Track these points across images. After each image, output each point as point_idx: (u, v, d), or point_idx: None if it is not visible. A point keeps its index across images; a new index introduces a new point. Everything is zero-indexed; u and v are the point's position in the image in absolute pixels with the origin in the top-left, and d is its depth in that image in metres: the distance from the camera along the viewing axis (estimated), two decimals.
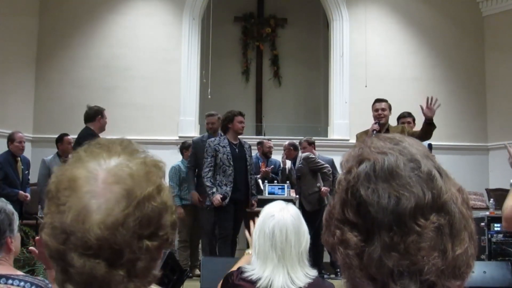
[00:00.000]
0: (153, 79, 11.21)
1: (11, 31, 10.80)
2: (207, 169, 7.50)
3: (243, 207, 7.59)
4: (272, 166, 9.41)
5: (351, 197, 0.98)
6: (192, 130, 11.10)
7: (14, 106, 10.77)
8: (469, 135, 11.59)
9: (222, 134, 7.83)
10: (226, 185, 7.42)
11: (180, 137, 10.75)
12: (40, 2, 11.43)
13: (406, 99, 11.03)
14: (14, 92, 10.83)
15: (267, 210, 2.71)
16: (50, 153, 8.99)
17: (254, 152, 9.38)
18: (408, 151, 1.01)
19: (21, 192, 8.29)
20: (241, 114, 7.73)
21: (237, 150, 7.62)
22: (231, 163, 7.46)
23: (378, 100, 7.49)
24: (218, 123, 8.24)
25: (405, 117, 8.06)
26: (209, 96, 10.92)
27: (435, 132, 10.70)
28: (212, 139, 7.74)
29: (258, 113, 13.69)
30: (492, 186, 10.91)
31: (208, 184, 7.44)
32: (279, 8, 13.85)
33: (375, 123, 7.12)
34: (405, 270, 0.94)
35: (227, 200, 7.36)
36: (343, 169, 1.04)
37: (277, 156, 9.67)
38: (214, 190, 7.37)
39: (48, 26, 11.40)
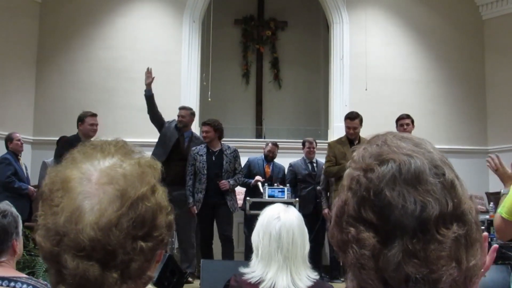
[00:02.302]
0: (153, 81, 11.18)
1: (12, 33, 10.81)
2: (188, 178, 7.88)
3: (226, 209, 7.81)
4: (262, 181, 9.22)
5: (374, 197, 0.96)
6: None
7: (14, 108, 10.77)
8: (469, 138, 11.59)
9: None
10: (200, 192, 7.79)
11: None
12: (40, 5, 11.43)
13: (406, 101, 11.06)
14: (14, 94, 10.82)
15: (270, 212, 2.69)
16: (50, 155, 8.98)
17: (255, 155, 9.39)
18: (431, 156, 0.99)
19: (30, 186, 8.43)
20: (204, 123, 8.08)
21: (213, 157, 7.90)
22: (205, 171, 7.80)
23: (351, 118, 7.81)
24: (189, 118, 8.45)
25: (404, 119, 8.12)
26: (209, 99, 10.92)
27: (435, 135, 10.74)
28: (194, 147, 8.06)
29: (258, 116, 13.68)
30: (492, 189, 10.87)
31: (187, 193, 7.83)
32: (279, 10, 13.86)
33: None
34: (423, 278, 0.92)
35: (199, 206, 7.75)
36: (356, 164, 1.01)
37: (280, 160, 9.62)
38: (190, 201, 7.79)
39: (48, 28, 11.40)
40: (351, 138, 7.71)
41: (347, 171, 1.03)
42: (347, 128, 7.80)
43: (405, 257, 0.92)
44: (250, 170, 8.99)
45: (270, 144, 9.51)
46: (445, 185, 0.96)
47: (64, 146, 7.79)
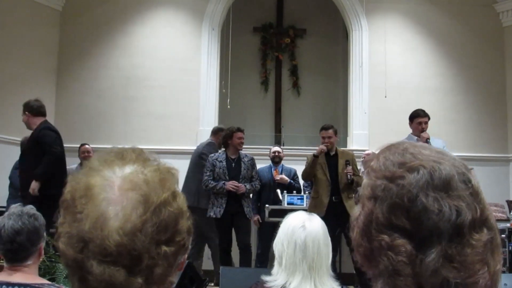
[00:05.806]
0: (173, 89, 11.25)
1: (32, 42, 10.89)
2: (206, 178, 7.92)
3: (244, 217, 7.86)
4: (281, 175, 9.29)
5: (408, 204, 0.97)
6: None
7: None
8: (489, 146, 11.49)
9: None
10: (221, 197, 7.80)
11: None
12: (60, 13, 11.53)
13: (426, 109, 10.92)
14: None
15: (295, 221, 2.63)
16: (70, 162, 9.04)
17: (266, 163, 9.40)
18: (456, 163, 1.01)
19: None
20: (240, 130, 8.12)
21: (233, 164, 7.97)
22: (227, 177, 7.83)
23: (324, 128, 8.14)
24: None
25: (422, 117, 8.14)
26: (228, 106, 10.94)
27: (455, 143, 10.66)
28: (212, 154, 8.21)
29: (277, 123, 13.67)
30: None
31: (212, 184, 7.82)
32: (298, 18, 13.86)
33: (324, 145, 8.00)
34: (461, 282, 0.93)
35: (221, 211, 7.72)
36: (377, 173, 1.02)
37: (294, 165, 9.61)
38: (221, 183, 7.77)
39: (68, 36, 11.49)
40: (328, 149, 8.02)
41: (366, 181, 1.03)
42: (322, 138, 8.11)
43: (444, 262, 0.94)
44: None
45: (275, 148, 9.61)
46: (472, 192, 0.98)
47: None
